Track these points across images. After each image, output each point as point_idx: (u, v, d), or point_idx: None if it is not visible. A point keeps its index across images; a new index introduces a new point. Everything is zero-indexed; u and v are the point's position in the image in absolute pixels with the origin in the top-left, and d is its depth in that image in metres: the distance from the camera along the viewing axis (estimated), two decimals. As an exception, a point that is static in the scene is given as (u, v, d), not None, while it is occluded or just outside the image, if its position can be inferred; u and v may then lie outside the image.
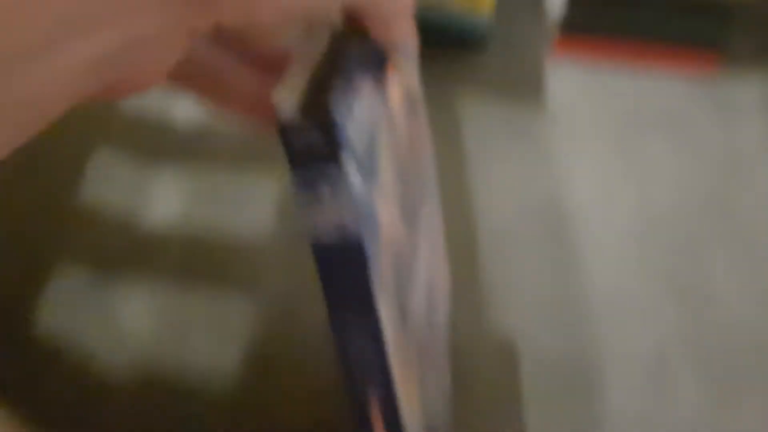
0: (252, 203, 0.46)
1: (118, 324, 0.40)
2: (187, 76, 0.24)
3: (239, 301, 0.41)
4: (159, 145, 0.49)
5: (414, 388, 0.25)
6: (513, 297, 0.44)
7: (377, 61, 0.22)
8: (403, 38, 0.25)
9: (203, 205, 0.46)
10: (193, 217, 0.45)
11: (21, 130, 0.16)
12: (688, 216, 0.50)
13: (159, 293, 0.41)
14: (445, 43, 0.60)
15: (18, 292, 0.41)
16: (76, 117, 0.51)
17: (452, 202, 0.49)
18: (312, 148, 0.17)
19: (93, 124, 0.51)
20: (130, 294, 0.41)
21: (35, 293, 0.41)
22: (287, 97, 0.17)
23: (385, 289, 0.21)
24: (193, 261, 0.43)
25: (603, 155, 0.54)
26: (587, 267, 0.46)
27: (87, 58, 0.16)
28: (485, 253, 0.46)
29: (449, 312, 0.40)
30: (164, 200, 0.46)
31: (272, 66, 0.25)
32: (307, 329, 0.39)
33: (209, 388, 0.37)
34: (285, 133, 0.17)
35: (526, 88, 0.59)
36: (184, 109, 0.51)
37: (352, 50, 0.21)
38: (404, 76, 0.25)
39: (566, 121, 0.56)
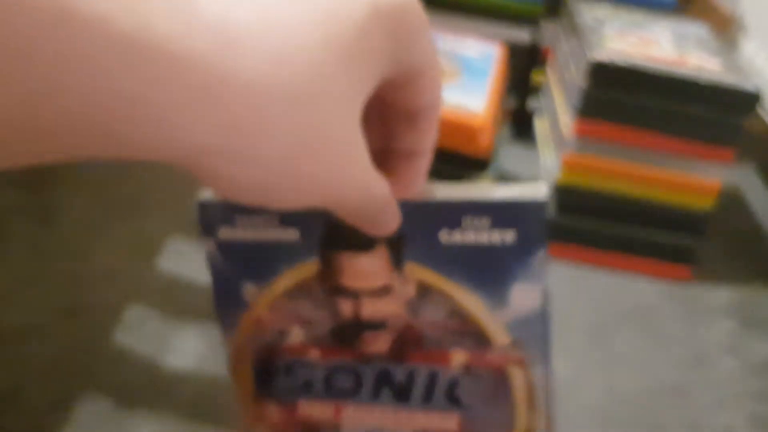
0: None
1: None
2: None
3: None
4: (186, 305, 0.57)
5: None
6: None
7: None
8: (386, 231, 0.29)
9: (214, 360, 0.53)
10: (205, 369, 0.52)
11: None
12: (650, 401, 0.55)
13: (170, 427, 0.47)
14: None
15: (47, 416, 0.47)
16: (119, 274, 0.59)
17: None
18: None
19: (132, 281, 0.59)
20: (145, 425, 0.47)
21: (62, 417, 0.47)
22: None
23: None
24: (201, 404, 0.49)
25: (576, 342, 0.60)
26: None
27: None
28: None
29: None
30: (182, 351, 0.53)
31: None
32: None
33: None
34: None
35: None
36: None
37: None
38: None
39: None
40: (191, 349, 0.53)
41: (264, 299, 0.33)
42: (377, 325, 0.33)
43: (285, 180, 0.23)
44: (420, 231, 0.31)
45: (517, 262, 0.31)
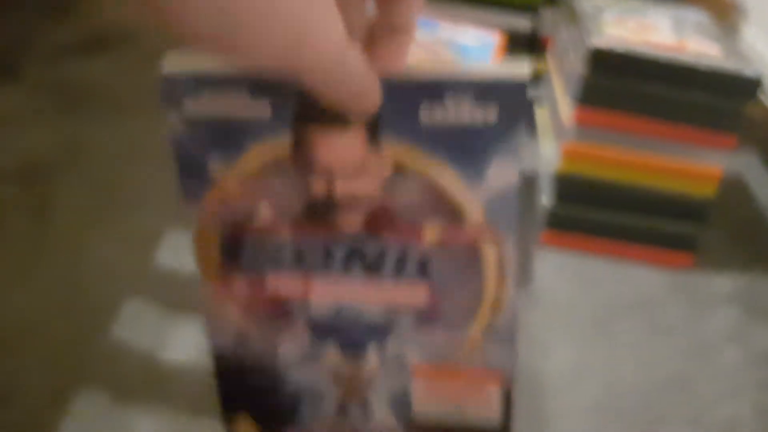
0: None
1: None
2: None
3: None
4: (184, 299, 0.57)
5: None
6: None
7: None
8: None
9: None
10: (203, 363, 0.51)
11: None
12: (653, 392, 0.55)
13: (167, 421, 0.47)
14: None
15: (45, 411, 0.47)
16: (116, 268, 0.59)
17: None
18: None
19: (130, 275, 0.58)
20: (142, 419, 0.47)
21: (60, 412, 0.47)
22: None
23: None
24: (199, 398, 0.49)
25: (578, 333, 0.59)
26: None
27: None
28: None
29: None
30: (180, 346, 0.53)
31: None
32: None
33: None
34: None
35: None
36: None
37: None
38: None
39: (546, 300, 0.62)
40: (189, 344, 0.53)
41: (231, 176, 0.33)
42: (350, 205, 0.32)
43: (255, 13, 0.22)
44: (401, 108, 0.30)
45: (497, 140, 0.31)
